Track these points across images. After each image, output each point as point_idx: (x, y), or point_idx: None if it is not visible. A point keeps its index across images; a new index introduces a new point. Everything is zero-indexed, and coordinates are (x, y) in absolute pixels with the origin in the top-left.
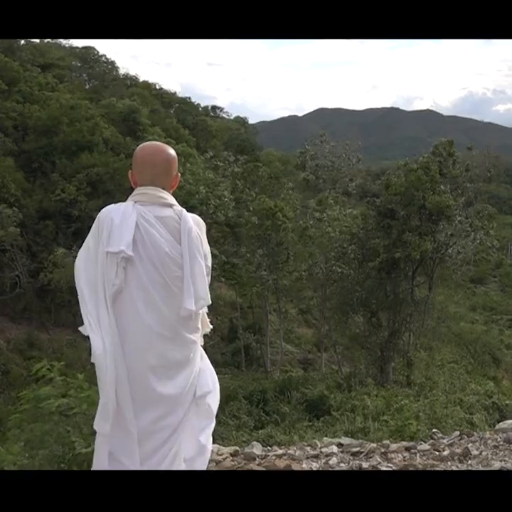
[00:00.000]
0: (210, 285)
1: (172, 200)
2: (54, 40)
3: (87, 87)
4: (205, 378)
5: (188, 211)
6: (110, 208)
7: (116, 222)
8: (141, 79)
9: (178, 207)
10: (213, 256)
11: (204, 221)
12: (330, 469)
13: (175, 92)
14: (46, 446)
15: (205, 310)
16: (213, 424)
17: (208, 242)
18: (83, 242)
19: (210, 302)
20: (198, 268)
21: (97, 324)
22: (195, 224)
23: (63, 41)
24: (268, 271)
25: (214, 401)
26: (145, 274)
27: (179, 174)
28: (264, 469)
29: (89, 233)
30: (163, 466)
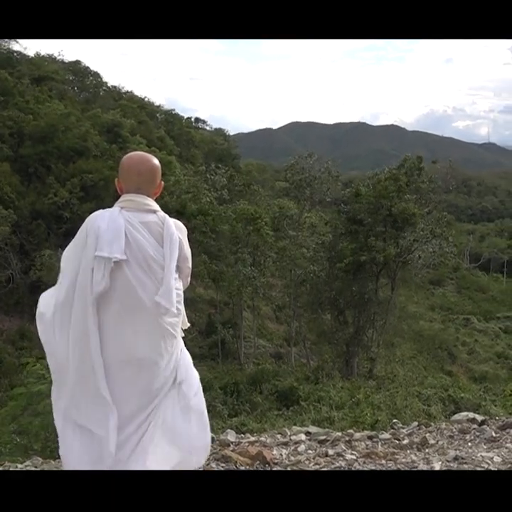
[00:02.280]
0: (190, 284)
1: (156, 206)
2: (49, 54)
3: (78, 99)
4: (184, 370)
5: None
6: (97, 214)
7: (104, 228)
8: (129, 92)
9: (161, 213)
10: (197, 257)
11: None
12: (327, 469)
13: (159, 105)
14: (40, 439)
15: (183, 310)
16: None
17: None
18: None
19: (180, 304)
20: (173, 272)
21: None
22: (177, 229)
23: (56, 55)
24: (251, 268)
25: (194, 390)
26: (132, 275)
27: (162, 182)
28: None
29: (75, 237)
30: (145, 435)
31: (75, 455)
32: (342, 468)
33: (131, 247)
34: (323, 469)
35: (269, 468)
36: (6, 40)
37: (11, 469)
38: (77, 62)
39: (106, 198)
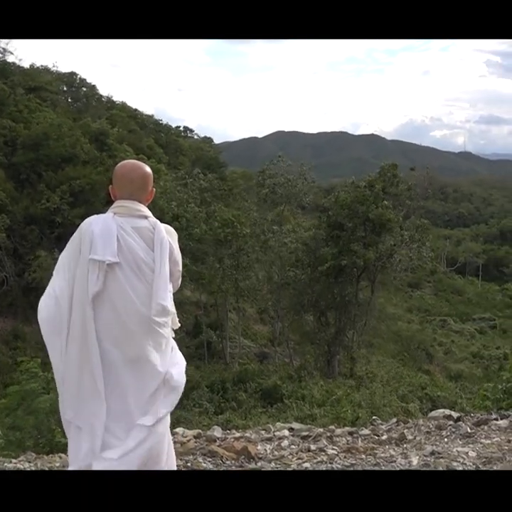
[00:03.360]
0: (180, 287)
1: (147, 212)
2: (43, 66)
3: (71, 108)
4: (175, 368)
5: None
6: (91, 219)
7: (98, 232)
8: (121, 102)
9: (152, 218)
10: (185, 265)
11: (178, 236)
12: (324, 469)
13: (152, 115)
14: (32, 436)
15: (174, 310)
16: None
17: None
18: (65, 246)
19: (168, 305)
20: (165, 274)
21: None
22: (168, 233)
23: (51, 66)
24: (232, 270)
25: (180, 381)
26: (124, 277)
27: (154, 189)
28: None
29: (70, 241)
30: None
31: (72, 453)
32: (324, 462)
33: (123, 251)
34: (305, 464)
35: (254, 464)
36: (1, 51)
37: (6, 465)
38: (73, 74)
39: (95, 202)
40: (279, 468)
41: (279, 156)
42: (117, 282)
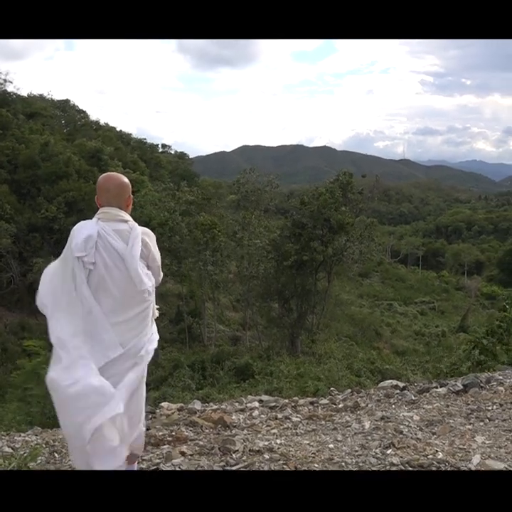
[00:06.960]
0: (162, 280)
1: (127, 216)
2: (39, 94)
3: (65, 130)
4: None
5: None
6: (80, 224)
7: (81, 234)
8: (107, 124)
9: (132, 222)
10: (167, 264)
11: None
12: (325, 469)
13: (134, 135)
14: (40, 406)
15: (154, 301)
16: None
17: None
18: (62, 250)
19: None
20: (135, 262)
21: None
22: (145, 234)
23: (46, 94)
24: (211, 266)
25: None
26: (105, 270)
27: (132, 196)
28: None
29: (67, 243)
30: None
31: None
32: (289, 429)
33: (107, 248)
34: (273, 431)
35: (229, 431)
36: (1, 82)
37: (16, 438)
38: (66, 101)
39: (86, 211)
40: (250, 435)
41: (252, 169)
42: (100, 276)
